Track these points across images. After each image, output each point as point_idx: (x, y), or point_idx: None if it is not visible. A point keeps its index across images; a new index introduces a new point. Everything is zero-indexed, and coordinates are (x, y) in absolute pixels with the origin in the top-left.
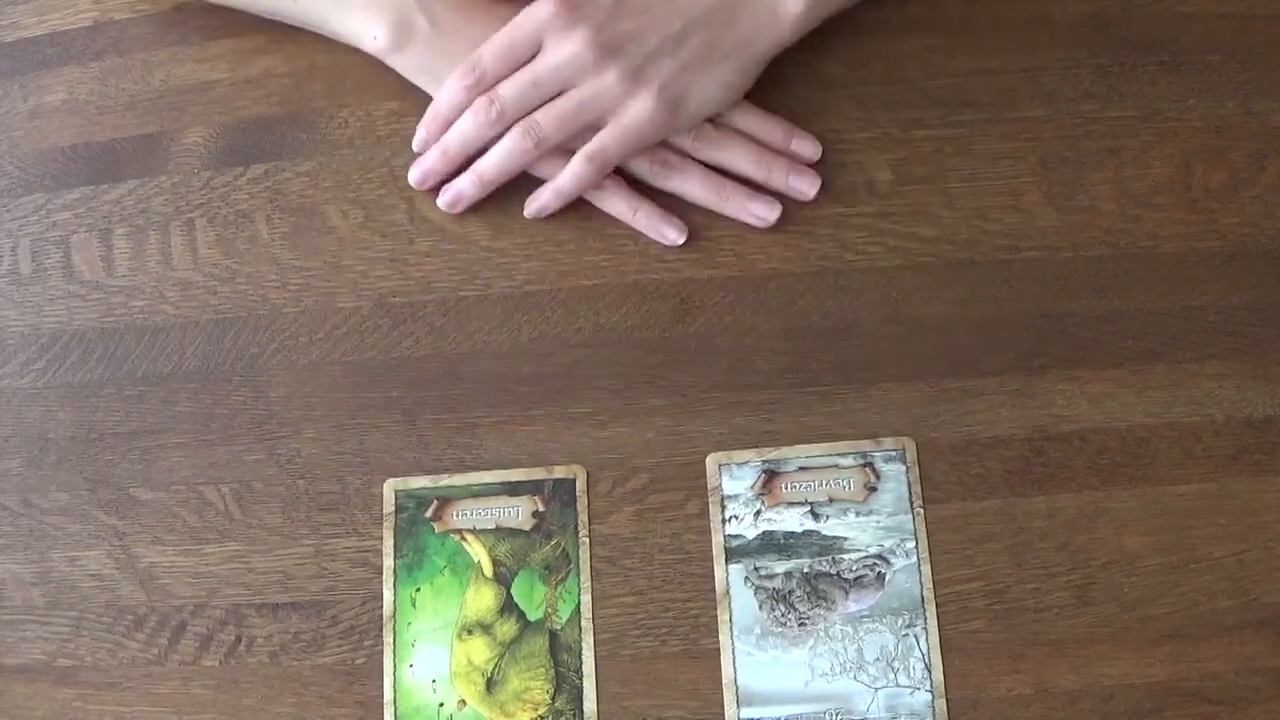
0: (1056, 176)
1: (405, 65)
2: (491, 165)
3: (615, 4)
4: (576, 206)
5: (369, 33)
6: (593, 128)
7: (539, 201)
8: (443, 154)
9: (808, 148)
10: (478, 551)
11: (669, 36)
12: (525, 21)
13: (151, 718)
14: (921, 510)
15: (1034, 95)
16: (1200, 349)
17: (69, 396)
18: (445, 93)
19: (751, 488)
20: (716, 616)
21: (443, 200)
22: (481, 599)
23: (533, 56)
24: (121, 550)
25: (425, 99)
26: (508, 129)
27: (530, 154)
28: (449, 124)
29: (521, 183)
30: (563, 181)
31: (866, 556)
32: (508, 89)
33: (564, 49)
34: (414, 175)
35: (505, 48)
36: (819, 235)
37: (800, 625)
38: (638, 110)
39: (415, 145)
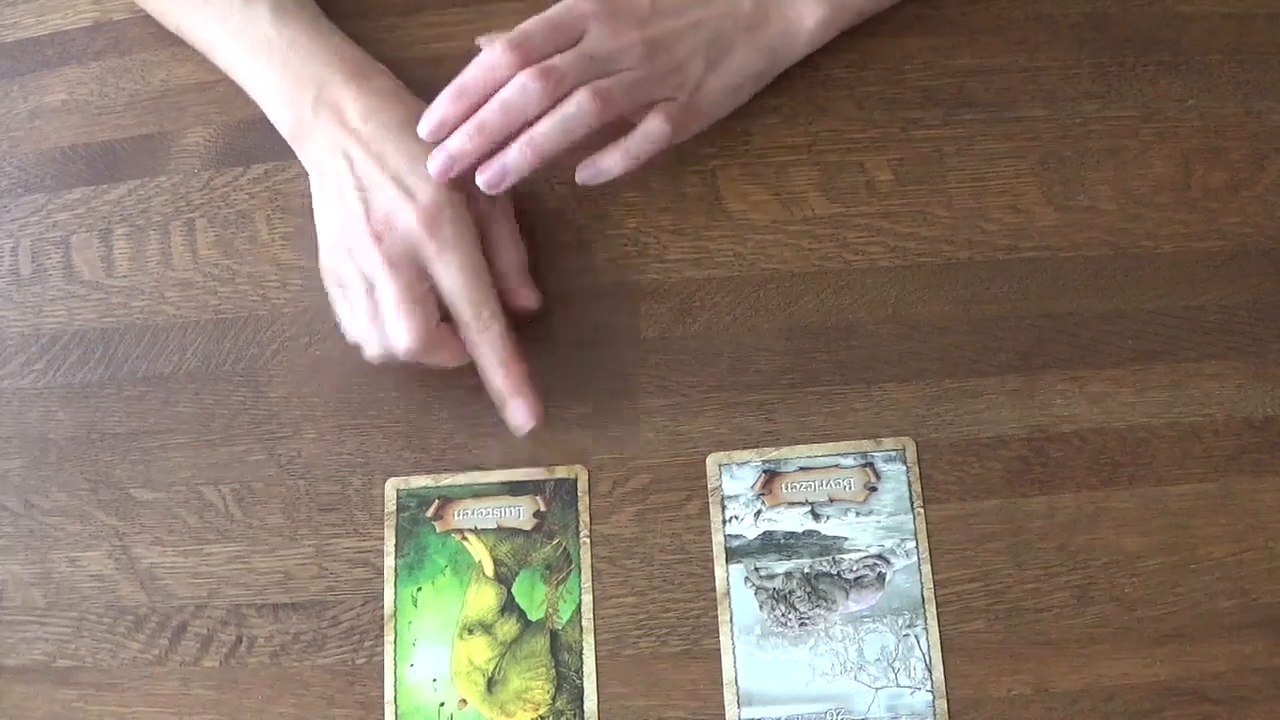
0: (1056, 176)
1: (302, 156)
2: (551, 130)
3: (652, 5)
4: (577, 207)
5: (274, 116)
6: (643, 111)
7: (602, 164)
8: (479, 130)
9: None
10: (479, 551)
11: (702, 39)
12: (568, 10)
13: (152, 718)
14: (922, 510)
15: (1034, 95)
16: (1200, 349)
17: (69, 397)
18: (482, 66)
19: (752, 488)
20: (717, 616)
21: (484, 179)
22: (482, 598)
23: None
24: (122, 551)
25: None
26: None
27: (595, 118)
28: (477, 102)
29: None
30: (634, 144)
31: (867, 556)
32: (563, 60)
33: (617, 37)
34: (437, 161)
35: (552, 26)
36: (819, 235)
37: (801, 625)
38: (688, 102)
39: (425, 131)
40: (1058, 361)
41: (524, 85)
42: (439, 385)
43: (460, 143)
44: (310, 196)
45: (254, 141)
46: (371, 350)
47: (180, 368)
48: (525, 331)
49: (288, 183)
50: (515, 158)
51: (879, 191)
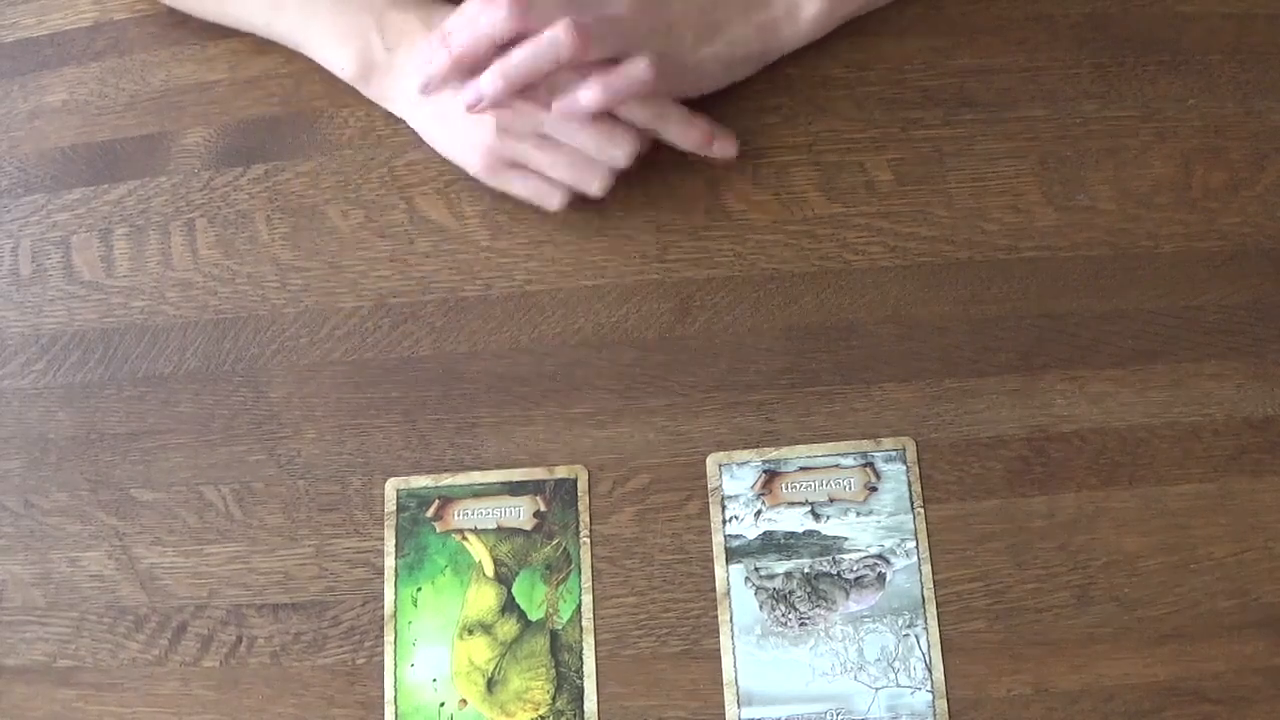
0: (1056, 176)
1: (373, 94)
2: (522, 59)
3: None
4: (576, 206)
5: (337, 64)
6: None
7: (580, 95)
8: (450, 54)
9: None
10: (479, 551)
11: (696, 6)
12: None
13: (152, 718)
14: (922, 510)
15: (1034, 95)
16: (1200, 349)
17: (69, 397)
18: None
19: (752, 488)
20: (717, 616)
21: (462, 99)
22: (483, 598)
23: None
24: (122, 551)
25: None
26: (529, 34)
27: (568, 51)
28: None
29: None
30: (615, 78)
31: (867, 556)
32: None
33: None
34: (420, 82)
35: None
36: (819, 235)
37: (801, 625)
38: (677, 63)
39: (426, 65)
40: (1058, 361)
41: (490, 11)
42: (439, 385)
43: (439, 66)
44: (310, 196)
45: (254, 141)
46: (597, 185)
47: (180, 368)
48: (525, 331)
49: (287, 183)
50: (486, 82)
51: (879, 191)
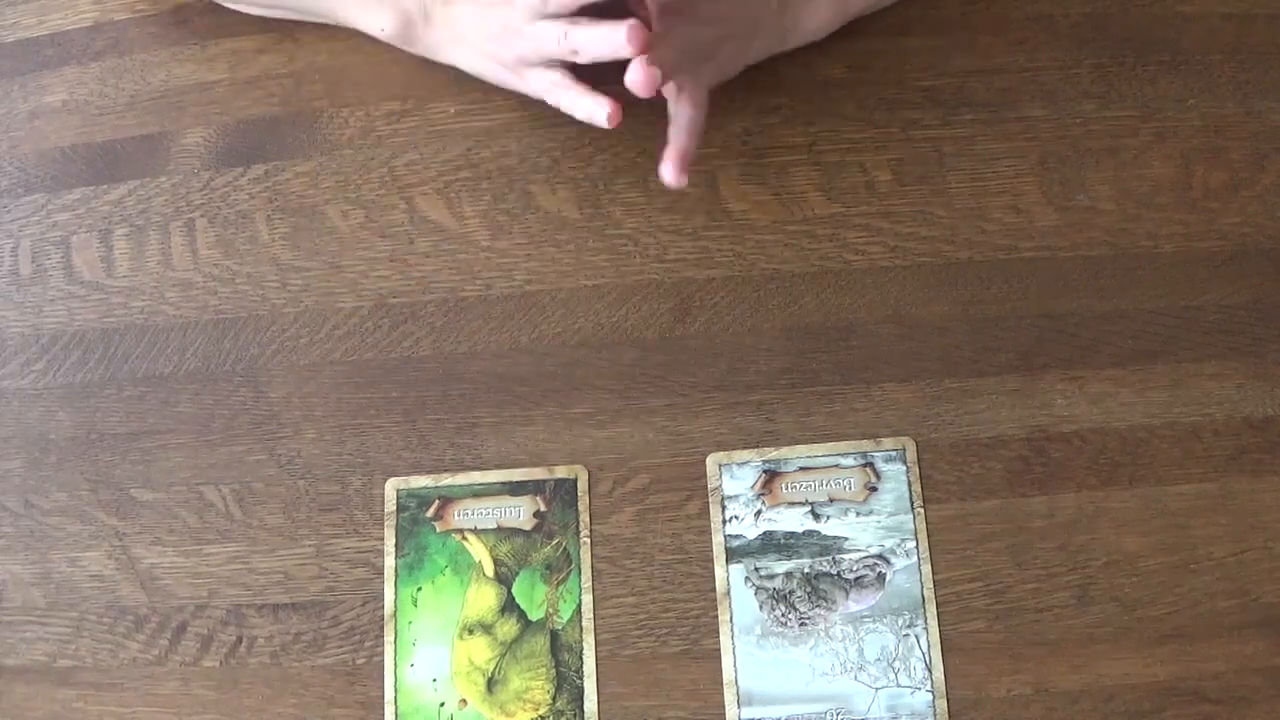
0: (1056, 176)
1: (418, 49)
2: None
3: None
4: (576, 205)
5: (376, 25)
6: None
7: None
8: None
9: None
10: (479, 551)
11: (742, 16)
12: None
13: (152, 718)
14: (922, 510)
15: (1034, 95)
16: (1200, 349)
17: (69, 397)
18: None
19: (752, 488)
20: (717, 616)
21: None
22: (483, 598)
23: None
24: (122, 551)
25: (426, 98)
26: None
27: None
28: None
29: (521, 182)
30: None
31: (867, 556)
32: None
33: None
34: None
35: None
36: (819, 235)
37: (801, 625)
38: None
39: None
40: (1058, 361)
41: None
42: (439, 385)
43: None
44: (310, 196)
45: (254, 141)
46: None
47: (180, 368)
48: (525, 331)
49: (287, 183)
50: None
51: (879, 191)
